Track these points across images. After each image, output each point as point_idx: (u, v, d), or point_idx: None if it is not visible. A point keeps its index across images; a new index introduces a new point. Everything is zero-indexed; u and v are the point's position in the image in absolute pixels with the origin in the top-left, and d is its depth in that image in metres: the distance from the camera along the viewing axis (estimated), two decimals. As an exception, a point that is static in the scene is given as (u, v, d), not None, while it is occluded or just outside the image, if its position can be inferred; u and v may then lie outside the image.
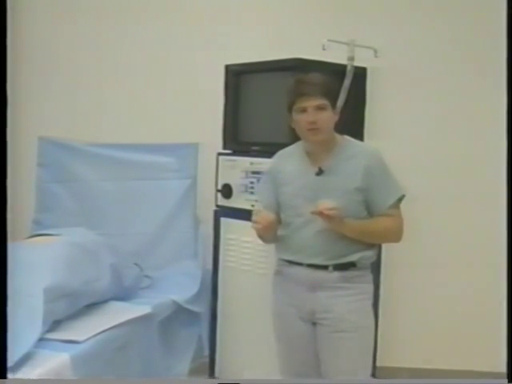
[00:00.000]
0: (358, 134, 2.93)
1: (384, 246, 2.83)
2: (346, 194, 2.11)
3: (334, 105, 2.15)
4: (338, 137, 2.21)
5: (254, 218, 2.12)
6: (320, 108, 2.09)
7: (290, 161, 2.25)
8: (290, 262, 2.20)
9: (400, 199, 2.17)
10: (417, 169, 3.21)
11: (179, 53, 3.50)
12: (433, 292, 3.30)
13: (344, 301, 2.12)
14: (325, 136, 2.13)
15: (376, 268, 2.88)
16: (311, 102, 2.08)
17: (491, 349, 2.94)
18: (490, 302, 3.14)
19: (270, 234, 2.18)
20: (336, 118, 2.17)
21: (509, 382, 1.62)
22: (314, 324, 2.18)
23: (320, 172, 2.14)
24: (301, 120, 2.12)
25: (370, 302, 2.21)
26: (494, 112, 2.83)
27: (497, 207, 2.23)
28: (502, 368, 1.64)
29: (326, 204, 2.00)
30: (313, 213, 2.01)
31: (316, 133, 2.11)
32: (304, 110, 2.10)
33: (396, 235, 2.20)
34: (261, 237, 2.24)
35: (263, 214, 2.12)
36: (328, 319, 2.12)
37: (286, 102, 2.16)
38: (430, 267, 3.29)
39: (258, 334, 2.73)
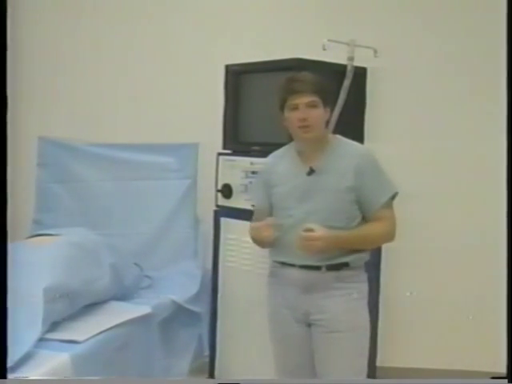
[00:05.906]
0: (358, 134, 2.92)
1: (384, 246, 2.83)
2: (338, 193, 2.09)
3: (326, 103, 2.13)
4: (330, 136, 2.21)
5: (265, 233, 2.10)
6: (311, 105, 2.08)
7: (282, 162, 2.25)
8: (283, 264, 2.18)
9: (393, 197, 2.15)
10: (417, 168, 3.21)
11: (179, 53, 3.50)
12: (433, 292, 3.29)
13: (338, 301, 2.11)
14: (316, 133, 2.12)
15: (376, 267, 2.89)
16: (302, 99, 2.08)
17: (491, 349, 2.94)
18: (489, 302, 3.14)
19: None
20: (327, 116, 2.16)
21: (509, 382, 1.62)
22: (309, 325, 2.16)
23: (311, 172, 2.13)
24: (292, 117, 2.11)
25: (364, 302, 2.19)
26: (494, 112, 2.83)
27: (497, 207, 2.22)
28: (502, 368, 1.64)
29: (309, 235, 1.99)
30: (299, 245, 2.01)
31: (307, 130, 2.10)
32: (295, 108, 2.09)
33: (387, 238, 2.20)
34: (260, 243, 2.22)
35: (272, 225, 2.11)
36: (322, 320, 2.11)
37: (278, 101, 2.15)
38: (429, 267, 3.29)
39: (258, 334, 2.72)
